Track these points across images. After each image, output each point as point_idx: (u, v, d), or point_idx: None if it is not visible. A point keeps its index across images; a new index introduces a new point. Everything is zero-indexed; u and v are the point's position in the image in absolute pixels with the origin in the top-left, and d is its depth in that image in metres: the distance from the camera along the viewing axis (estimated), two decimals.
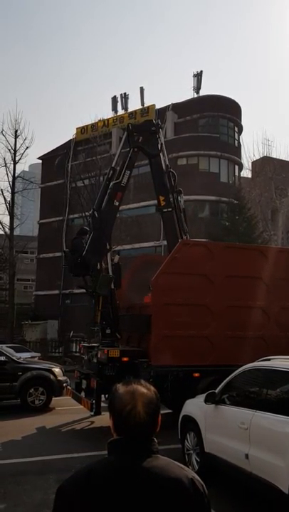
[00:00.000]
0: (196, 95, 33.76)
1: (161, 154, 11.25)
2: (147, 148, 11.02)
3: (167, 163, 11.50)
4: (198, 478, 1.63)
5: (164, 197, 11.15)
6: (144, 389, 1.68)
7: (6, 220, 29.20)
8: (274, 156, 34.32)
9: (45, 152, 39.40)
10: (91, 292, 10.31)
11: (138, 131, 11.05)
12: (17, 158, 28.79)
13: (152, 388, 1.71)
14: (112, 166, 10.76)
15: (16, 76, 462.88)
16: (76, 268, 10.38)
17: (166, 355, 9.08)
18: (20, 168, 34.80)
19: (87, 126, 35.97)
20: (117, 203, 10.43)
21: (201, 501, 1.59)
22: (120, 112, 36.38)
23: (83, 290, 11.57)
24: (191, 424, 6.83)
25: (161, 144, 11.25)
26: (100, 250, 10.23)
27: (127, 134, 10.92)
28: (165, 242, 28.04)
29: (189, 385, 9.17)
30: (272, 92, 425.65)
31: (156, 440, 1.65)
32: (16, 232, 31.19)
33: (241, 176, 34.62)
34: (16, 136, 28.80)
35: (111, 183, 10.48)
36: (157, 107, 33.90)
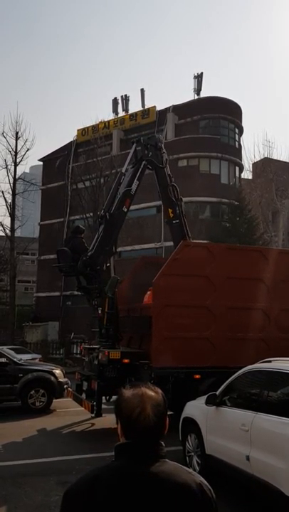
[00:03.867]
0: (196, 97, 33.78)
1: (165, 169, 11.85)
2: (156, 161, 11.58)
3: (169, 177, 12.02)
4: (206, 483, 1.61)
5: (172, 209, 11.80)
6: (152, 392, 1.67)
7: (7, 221, 29.31)
8: (275, 158, 34.42)
9: (46, 154, 39.42)
10: (96, 293, 10.31)
11: (146, 144, 11.52)
12: (18, 160, 28.92)
13: (159, 391, 1.70)
14: (122, 171, 11.26)
15: (17, 78, 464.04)
16: (75, 267, 10.39)
17: (167, 356, 9.08)
18: (21, 169, 34.85)
19: (87, 127, 36.00)
20: (125, 210, 10.85)
21: (210, 506, 1.57)
22: (121, 113, 36.44)
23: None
24: (192, 426, 6.81)
25: (166, 159, 11.92)
26: (107, 251, 10.37)
27: (136, 147, 11.41)
28: (166, 244, 28.17)
29: (190, 386, 9.14)
30: (273, 93, 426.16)
31: (163, 444, 1.64)
32: (17, 233, 31.24)
33: (242, 177, 34.63)
34: (16, 138, 28.90)
35: (120, 189, 10.84)
36: (158, 108, 33.93)
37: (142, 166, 11.23)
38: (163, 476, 1.53)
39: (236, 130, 33.72)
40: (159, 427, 1.62)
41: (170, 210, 11.77)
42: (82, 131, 36.41)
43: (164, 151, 11.95)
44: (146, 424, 1.59)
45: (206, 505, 1.56)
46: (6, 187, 39.91)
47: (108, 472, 1.57)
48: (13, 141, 28.94)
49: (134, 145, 11.48)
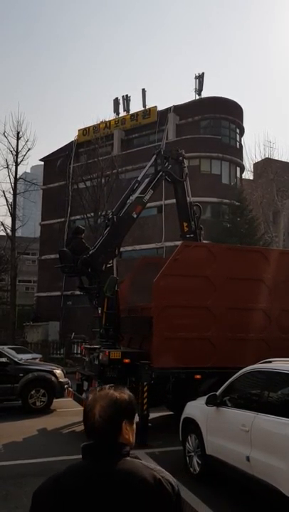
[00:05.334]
0: (197, 97, 33.78)
1: (185, 183, 11.76)
2: (174, 174, 11.54)
3: (190, 197, 11.88)
4: (169, 478, 1.64)
5: (187, 223, 11.74)
6: (116, 393, 1.70)
7: (8, 221, 29.41)
8: (276, 158, 34.38)
9: (47, 154, 39.44)
10: (95, 293, 10.33)
11: (167, 156, 11.48)
12: (19, 160, 28.93)
13: (126, 394, 1.72)
14: (138, 179, 11.23)
15: (17, 78, 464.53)
16: (76, 267, 10.42)
17: (168, 357, 9.08)
18: (22, 169, 34.93)
19: (88, 127, 36.02)
20: (135, 216, 10.82)
21: (168, 501, 1.59)
22: (122, 113, 36.46)
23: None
24: (192, 426, 6.81)
25: (186, 173, 11.79)
26: (110, 253, 10.39)
27: (155, 158, 11.36)
28: (166, 244, 28.13)
29: (191, 387, 9.15)
30: (273, 93, 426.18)
31: (126, 443, 1.67)
32: (18, 233, 31.24)
33: (243, 177, 34.62)
34: (18, 138, 28.91)
35: (134, 195, 10.86)
36: (159, 108, 33.95)
37: (158, 176, 11.22)
38: (121, 474, 1.57)
39: (237, 130, 33.73)
40: (107, 429, 1.65)
41: (185, 224, 11.71)
42: (83, 131, 36.43)
43: (185, 165, 11.84)
44: (92, 425, 1.65)
45: (164, 500, 1.58)
46: (7, 187, 40.03)
47: (70, 472, 1.62)
48: (14, 141, 28.98)
49: (154, 156, 11.41)
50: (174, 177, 11.56)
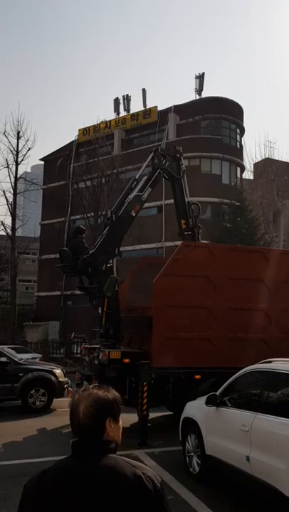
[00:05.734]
0: (198, 97, 33.79)
1: (182, 180, 11.78)
2: (172, 171, 11.58)
3: (188, 195, 11.86)
4: (151, 476, 1.65)
5: (184, 220, 11.80)
6: (99, 392, 1.75)
7: (8, 221, 29.39)
8: (276, 158, 34.31)
9: (48, 153, 39.44)
10: (95, 293, 10.34)
11: (165, 154, 11.55)
12: (19, 160, 28.91)
13: (110, 393, 1.77)
14: (136, 177, 11.27)
15: (18, 77, 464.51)
16: (76, 267, 10.43)
17: (168, 357, 9.08)
18: (23, 169, 35.00)
19: (89, 127, 36.02)
20: (134, 214, 10.85)
21: (148, 498, 1.61)
22: (122, 113, 36.48)
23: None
24: (192, 426, 6.82)
25: (184, 170, 11.83)
26: (109, 252, 10.38)
27: (153, 156, 11.41)
28: (166, 244, 28.08)
29: (190, 387, 9.15)
30: (274, 93, 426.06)
31: (111, 440, 1.71)
32: (18, 233, 31.24)
33: (243, 177, 34.61)
34: (18, 138, 28.90)
35: (132, 194, 10.87)
36: (159, 108, 33.95)
37: (156, 174, 11.25)
38: (102, 470, 1.61)
39: (237, 130, 33.73)
40: (91, 427, 1.70)
41: (183, 221, 11.76)
42: (84, 131, 36.43)
43: (183, 162, 11.88)
44: (76, 423, 1.71)
45: (143, 496, 1.60)
46: (8, 186, 40.06)
47: (54, 467, 1.68)
48: (14, 141, 28.96)
49: (152, 154, 11.45)
50: (171, 174, 11.60)
